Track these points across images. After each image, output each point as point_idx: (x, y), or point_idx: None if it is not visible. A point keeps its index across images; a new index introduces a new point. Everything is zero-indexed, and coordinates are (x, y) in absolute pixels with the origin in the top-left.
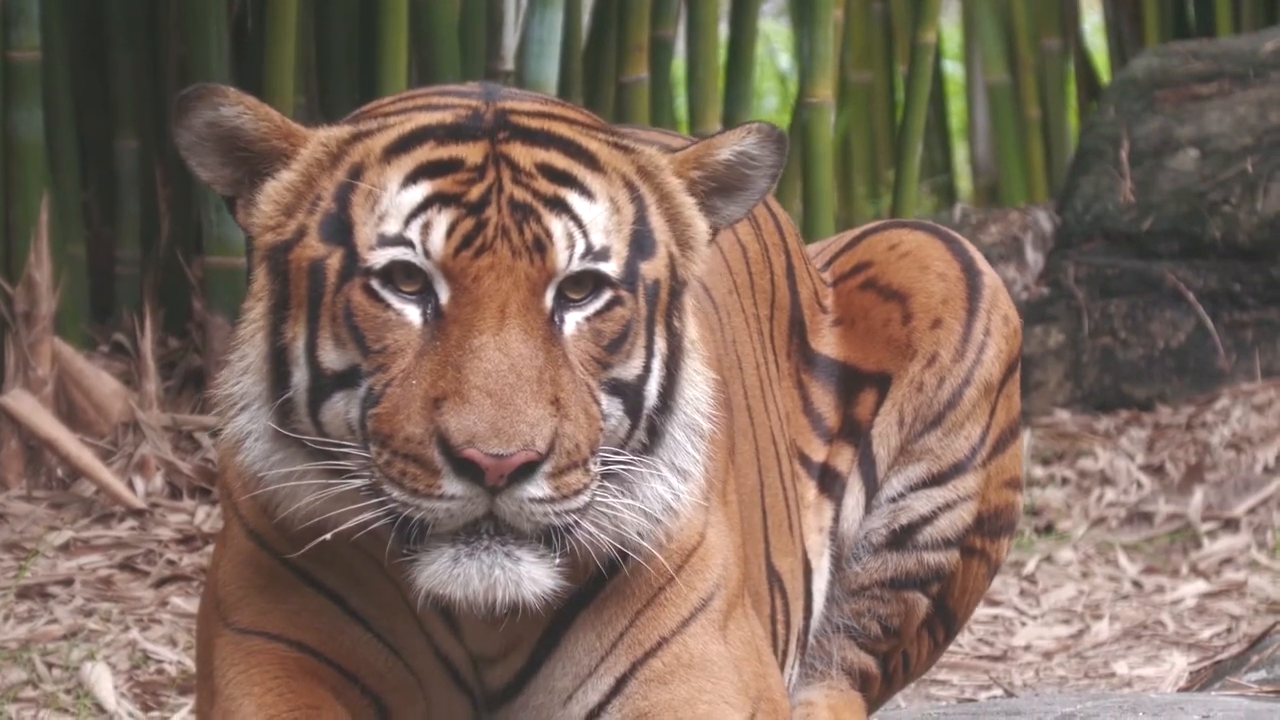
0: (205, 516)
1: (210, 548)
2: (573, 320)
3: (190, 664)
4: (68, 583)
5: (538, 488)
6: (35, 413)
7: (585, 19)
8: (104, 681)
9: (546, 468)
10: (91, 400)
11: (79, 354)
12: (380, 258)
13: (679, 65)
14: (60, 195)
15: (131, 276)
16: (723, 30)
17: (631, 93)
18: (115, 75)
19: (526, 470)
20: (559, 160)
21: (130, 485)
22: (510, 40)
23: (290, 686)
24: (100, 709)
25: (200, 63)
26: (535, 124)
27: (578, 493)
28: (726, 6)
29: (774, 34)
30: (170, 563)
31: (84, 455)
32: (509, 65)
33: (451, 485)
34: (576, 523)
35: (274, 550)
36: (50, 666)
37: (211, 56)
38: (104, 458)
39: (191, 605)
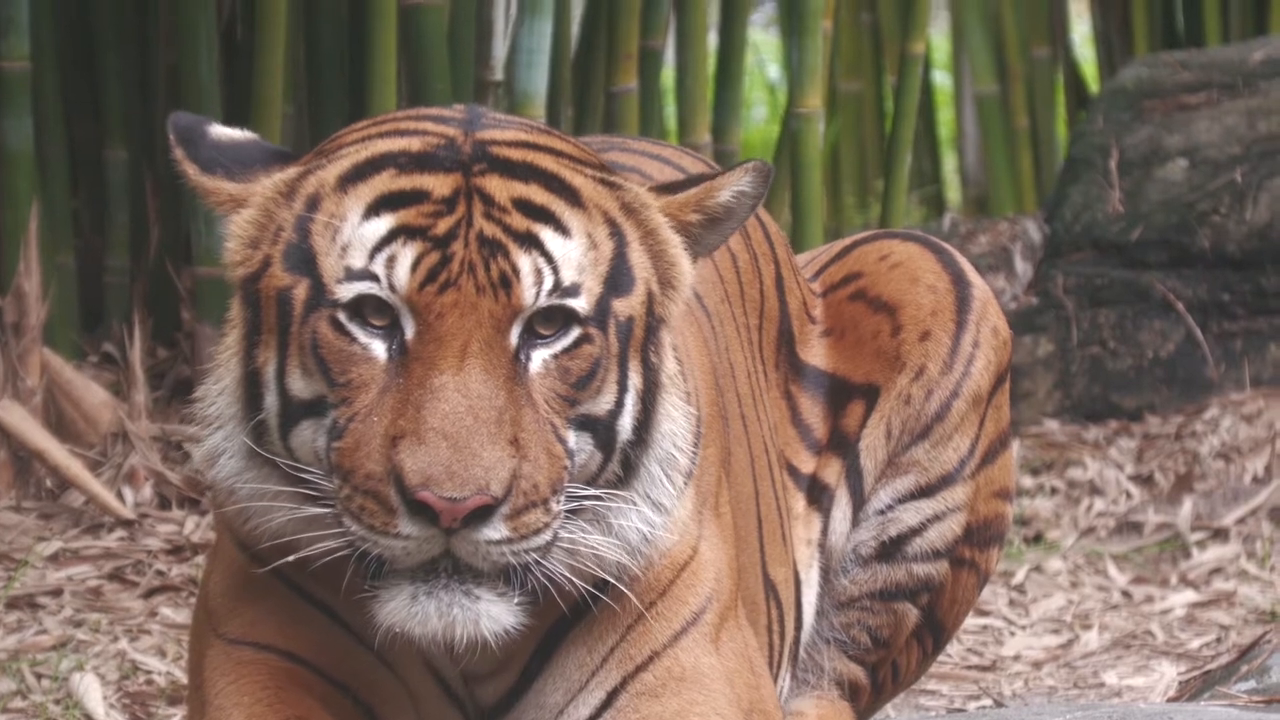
0: (194, 527)
1: (199, 558)
2: (539, 358)
3: (179, 675)
4: (57, 593)
5: (494, 530)
6: (24, 423)
7: (574, 29)
8: (93, 692)
9: (504, 509)
10: (80, 410)
11: (68, 364)
12: (347, 292)
13: (668, 75)
14: (49, 205)
15: (121, 286)
16: (712, 40)
17: (621, 102)
18: (105, 84)
19: (482, 513)
20: (538, 195)
21: (119, 496)
22: (499, 50)
23: (280, 697)
24: (89, 719)
25: (190, 72)
26: (517, 155)
27: (537, 532)
28: (715, 17)
29: (763, 44)
30: (159, 573)
31: (73, 465)
32: (498, 75)
33: (407, 526)
34: (538, 561)
35: (258, 556)
36: (39, 677)
37: (201, 65)
38: (93, 468)
39: (181, 616)
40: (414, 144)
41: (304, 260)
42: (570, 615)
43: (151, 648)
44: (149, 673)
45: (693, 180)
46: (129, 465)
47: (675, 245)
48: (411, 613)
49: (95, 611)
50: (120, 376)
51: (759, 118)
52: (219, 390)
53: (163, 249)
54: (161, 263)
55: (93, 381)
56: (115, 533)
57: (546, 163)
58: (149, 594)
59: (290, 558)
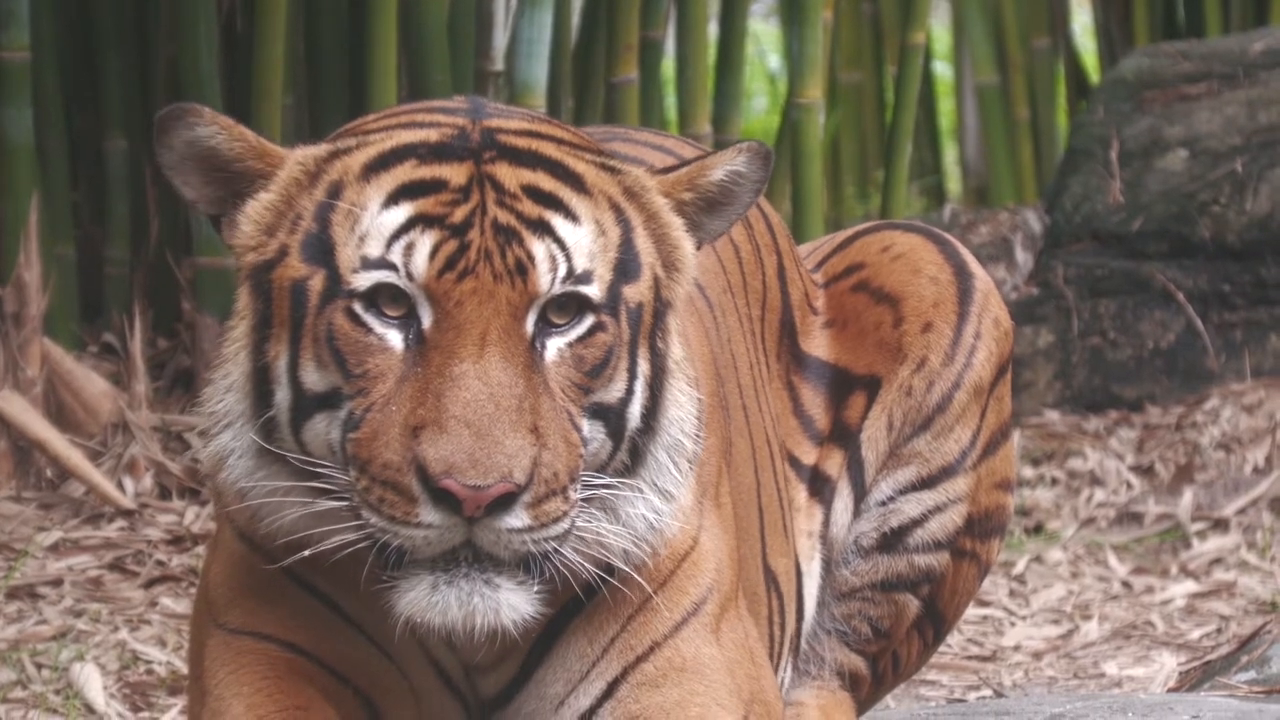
0: (195, 517)
1: (199, 548)
2: (554, 346)
3: (180, 664)
4: (57, 583)
5: (516, 518)
6: (25, 413)
7: (575, 19)
8: (93, 682)
9: (525, 497)
10: (81, 401)
11: (68, 354)
12: (363, 280)
13: (668, 65)
14: (50, 196)
15: (121, 277)
16: (712, 30)
17: (621, 93)
18: (105, 75)
19: (504, 501)
20: (545, 182)
21: (119, 486)
22: (500, 40)
23: (280, 687)
24: (89, 709)
25: (189, 63)
26: (523, 144)
27: (557, 520)
28: (716, 7)
29: (763, 34)
30: (160, 563)
31: (73, 456)
32: (498, 65)
33: (429, 514)
34: (556, 549)
35: (266, 553)
36: (39, 667)
37: (201, 56)
38: (93, 458)
39: (181, 606)
40: (432, 135)
41: (322, 251)
42: (572, 605)
43: (152, 638)
44: (149, 663)
45: (688, 162)
46: (129, 455)
47: (677, 228)
48: (432, 602)
49: (95, 601)
50: (120, 367)
51: (759, 108)
52: (226, 386)
53: (163, 239)
54: (161, 253)
55: (93, 372)
56: (115, 523)
57: (550, 150)
58: (149, 584)
59: (305, 552)
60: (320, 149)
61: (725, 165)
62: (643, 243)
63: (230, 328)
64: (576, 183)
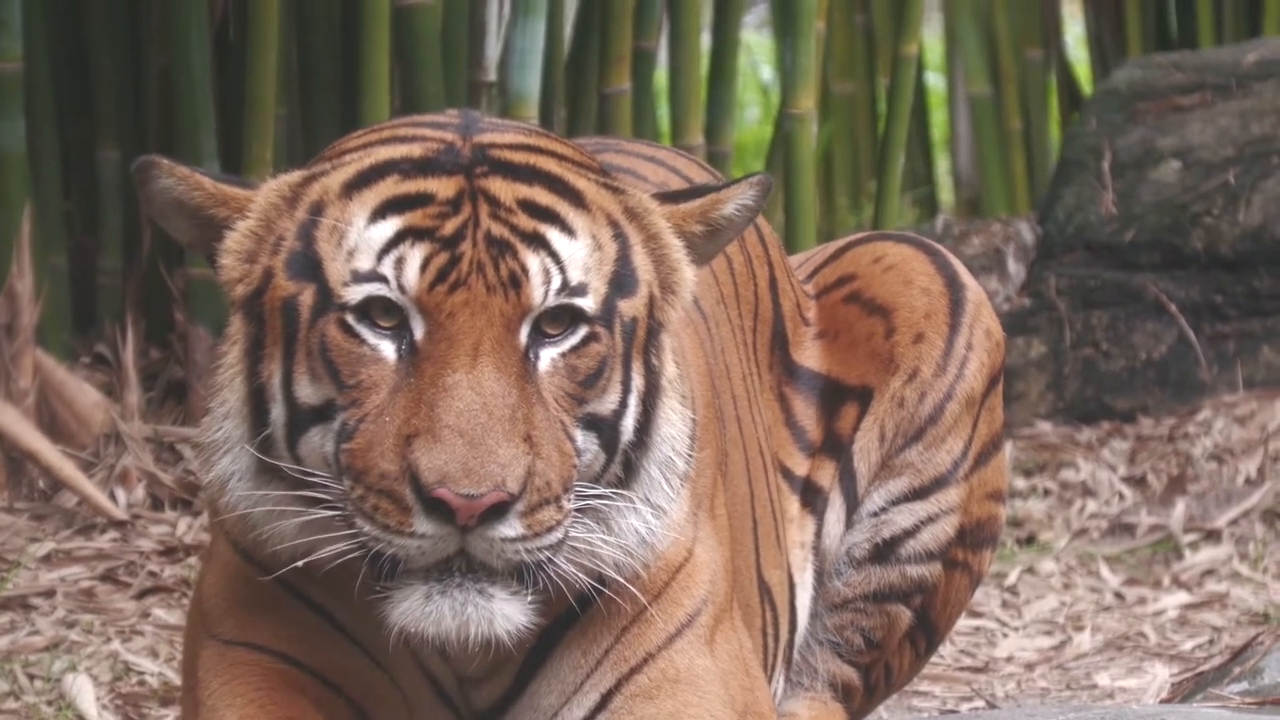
0: (187, 528)
1: (192, 559)
2: (547, 356)
3: (172, 676)
4: (49, 594)
5: (510, 527)
6: (17, 424)
7: (568, 30)
8: (86, 693)
9: (519, 506)
10: (73, 411)
11: (60, 365)
12: (355, 294)
13: (661, 76)
14: (42, 206)
15: (113, 287)
16: (705, 41)
17: (614, 103)
18: (97, 85)
19: (498, 510)
20: (542, 196)
21: (112, 496)
22: (492, 51)
23: (273, 698)
24: None
25: (182, 73)
26: (519, 158)
27: (550, 530)
28: (709, 18)
29: (756, 45)
30: (152, 574)
31: (65, 466)
32: (491, 76)
33: (422, 524)
34: (550, 559)
35: (260, 564)
36: (32, 678)
37: (193, 66)
38: (85, 469)
39: (173, 617)
40: (415, 150)
41: (309, 266)
42: (566, 617)
43: (144, 649)
44: (141, 674)
45: (697, 190)
46: (121, 466)
47: (677, 250)
48: (426, 612)
49: (88, 612)
50: (113, 377)
51: (752, 119)
52: (224, 413)
53: (155, 250)
54: (154, 264)
55: (85, 382)
56: (108, 534)
57: (549, 165)
58: (141, 595)
59: (300, 562)
60: (294, 175)
61: (737, 200)
62: (641, 260)
63: (222, 354)
64: (575, 198)
